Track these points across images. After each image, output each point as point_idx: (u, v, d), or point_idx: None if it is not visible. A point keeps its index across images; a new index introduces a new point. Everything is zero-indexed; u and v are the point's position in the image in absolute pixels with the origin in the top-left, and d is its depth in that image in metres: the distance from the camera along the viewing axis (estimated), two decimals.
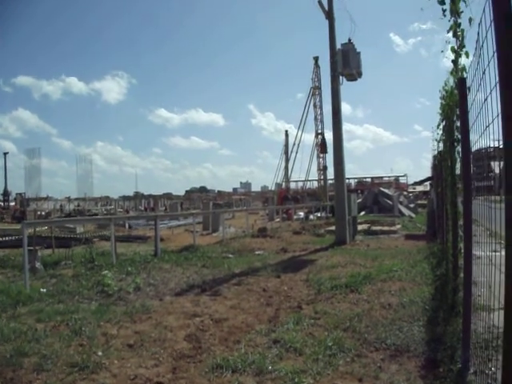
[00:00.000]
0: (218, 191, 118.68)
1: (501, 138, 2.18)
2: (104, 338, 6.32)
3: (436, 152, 11.06)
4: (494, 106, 2.50)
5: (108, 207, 63.65)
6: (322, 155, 54.39)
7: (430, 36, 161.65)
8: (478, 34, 3.04)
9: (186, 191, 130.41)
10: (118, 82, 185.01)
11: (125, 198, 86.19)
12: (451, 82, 5.96)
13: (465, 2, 3.95)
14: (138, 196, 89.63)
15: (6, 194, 64.87)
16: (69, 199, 65.02)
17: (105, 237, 19.15)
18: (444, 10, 4.21)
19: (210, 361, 5.38)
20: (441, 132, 8.37)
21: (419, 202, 46.62)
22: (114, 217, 25.21)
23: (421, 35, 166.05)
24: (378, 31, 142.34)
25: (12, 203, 62.35)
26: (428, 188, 51.19)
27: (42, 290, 9.48)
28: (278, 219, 33.55)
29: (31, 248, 11.84)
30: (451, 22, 4.29)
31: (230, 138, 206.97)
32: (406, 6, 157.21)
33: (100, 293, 9.22)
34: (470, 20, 3.71)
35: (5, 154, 67.67)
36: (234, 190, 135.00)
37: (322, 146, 53.34)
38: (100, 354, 5.65)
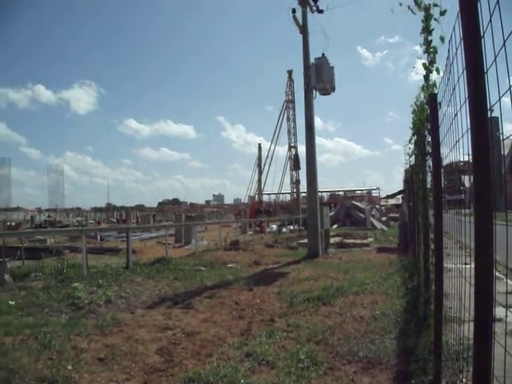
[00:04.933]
0: (191, 203, 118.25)
1: (470, 151, 2.22)
2: (74, 351, 6.22)
3: (408, 166, 11.20)
4: (464, 120, 2.56)
5: (79, 218, 62.88)
6: (295, 172, 54.66)
7: (396, 49, 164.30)
8: (449, 51, 3.12)
9: (159, 203, 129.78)
10: (86, 90, 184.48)
11: (96, 210, 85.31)
12: (422, 97, 6.06)
13: (436, 20, 4.04)
14: (109, 208, 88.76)
15: None
16: (40, 210, 64.01)
17: (76, 248, 18.86)
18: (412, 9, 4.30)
19: (182, 374, 5.35)
20: (412, 146, 8.48)
21: (391, 215, 47.08)
22: (86, 228, 24.88)
23: (388, 48, 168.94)
24: (346, 44, 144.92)
25: None
26: (400, 201, 51.79)
27: (10, 302, 9.29)
28: (250, 232, 33.50)
29: (0, 260, 11.62)
30: (422, 39, 4.38)
31: (200, 149, 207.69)
32: (372, 19, 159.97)
33: (70, 305, 9.07)
34: (442, 38, 3.80)
35: None
36: (207, 202, 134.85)
37: (295, 163, 53.57)
38: (70, 367, 5.57)
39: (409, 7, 4.32)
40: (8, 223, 44.48)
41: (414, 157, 8.82)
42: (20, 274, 12.98)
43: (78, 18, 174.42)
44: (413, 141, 8.26)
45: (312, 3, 19.00)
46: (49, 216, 57.68)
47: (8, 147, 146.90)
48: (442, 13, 4.00)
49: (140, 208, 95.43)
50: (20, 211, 63.97)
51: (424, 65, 4.63)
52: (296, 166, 53.45)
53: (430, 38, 4.38)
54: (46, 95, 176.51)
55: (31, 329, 7.27)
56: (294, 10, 18.77)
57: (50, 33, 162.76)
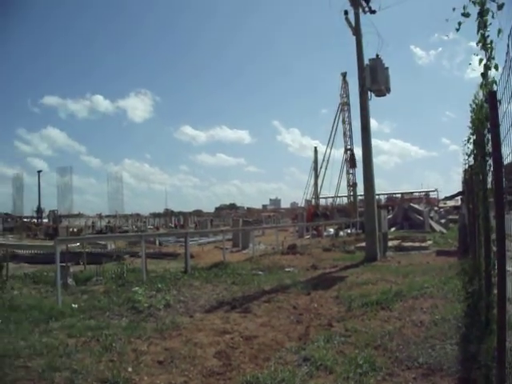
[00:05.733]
0: (248, 208, 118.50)
1: None
2: (134, 354, 6.35)
3: (466, 166, 10.89)
4: None
5: (138, 224, 64.24)
6: (351, 171, 54.00)
7: (451, 46, 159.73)
8: (508, 45, 3.01)
9: (216, 208, 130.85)
10: (141, 99, 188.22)
11: (155, 215, 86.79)
12: (480, 95, 5.89)
13: (492, 15, 3.92)
14: (168, 213, 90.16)
15: (39, 211, 65.99)
16: (100, 216, 65.70)
17: (135, 253, 19.27)
18: (459, 24, 4.18)
19: (240, 378, 5.36)
20: (471, 146, 8.24)
21: (450, 217, 45.72)
22: (145, 234, 25.39)
23: (442, 46, 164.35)
24: (399, 43, 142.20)
25: (45, 220, 63.40)
26: (459, 203, 50.37)
27: (73, 305, 9.60)
28: (307, 236, 33.34)
29: (63, 264, 12.00)
30: (479, 35, 4.25)
31: (256, 154, 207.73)
32: (424, 16, 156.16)
33: (130, 309, 9.28)
34: (499, 31, 3.68)
35: (38, 172, 69.04)
36: (264, 206, 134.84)
37: (351, 161, 52.93)
38: (130, 370, 5.68)
39: (463, 8, 4.20)
40: (70, 229, 46.05)
41: (472, 157, 8.58)
42: (82, 278, 13.40)
43: (129, 27, 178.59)
44: (471, 140, 8.04)
45: (364, 4, 18.79)
46: (109, 222, 59.14)
47: (69, 156, 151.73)
48: (500, 7, 3.87)
49: (198, 213, 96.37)
50: (81, 217, 65.90)
51: (481, 61, 4.49)
52: (352, 163, 52.78)
53: (486, 33, 4.24)
54: (103, 105, 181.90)
55: (93, 331, 7.48)
56: (346, 12, 18.66)
57: (104, 43, 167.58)
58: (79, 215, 67.30)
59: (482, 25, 4.14)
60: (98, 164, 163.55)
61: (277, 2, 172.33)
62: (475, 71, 4.75)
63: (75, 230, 49.08)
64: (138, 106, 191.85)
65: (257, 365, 5.91)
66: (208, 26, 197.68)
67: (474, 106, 6.80)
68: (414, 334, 6.88)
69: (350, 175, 54.47)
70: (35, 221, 63.49)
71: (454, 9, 4.31)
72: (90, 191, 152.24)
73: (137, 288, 10.88)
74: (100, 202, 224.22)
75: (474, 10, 4.23)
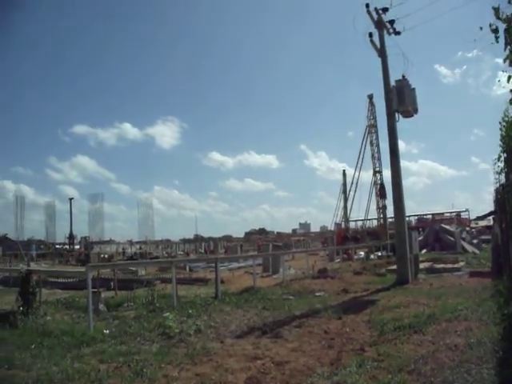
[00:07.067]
0: (277, 232, 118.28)
1: None
2: (165, 379, 6.34)
3: (498, 185, 10.70)
4: None
5: (169, 250, 64.61)
6: (381, 200, 53.60)
7: (476, 64, 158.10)
8: None
9: (246, 233, 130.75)
10: (169, 126, 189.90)
11: (185, 241, 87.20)
12: (510, 112, 5.82)
13: None
14: (197, 239, 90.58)
15: (71, 237, 67.01)
16: (131, 242, 66.37)
17: (166, 279, 19.34)
18: (497, 37, 4.15)
19: None
20: (502, 164, 8.12)
21: (483, 237, 44.88)
22: (175, 260, 25.58)
23: (466, 64, 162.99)
24: (423, 63, 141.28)
25: (77, 246, 64.30)
26: (491, 222, 49.51)
27: (105, 331, 9.67)
28: (338, 259, 33.07)
29: (95, 290, 12.12)
30: (507, 52, 4.21)
31: (284, 178, 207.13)
32: (447, 35, 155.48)
33: (161, 335, 9.30)
34: None
35: (70, 199, 70.56)
36: (293, 230, 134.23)
37: (381, 191, 52.40)
38: None
39: (490, 25, 4.18)
40: (101, 255, 46.61)
41: (504, 175, 8.45)
42: (113, 303, 13.52)
43: (155, 60, 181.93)
44: (502, 158, 7.92)
45: (389, 26, 18.83)
46: (140, 248, 59.66)
47: (99, 183, 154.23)
48: None
49: (227, 238, 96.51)
50: (112, 244, 66.56)
51: (510, 78, 4.43)
52: (382, 195, 52.32)
53: None
54: (132, 132, 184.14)
55: (124, 357, 7.51)
56: (370, 34, 18.75)
57: (132, 72, 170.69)
58: (110, 241, 67.99)
59: (510, 41, 4.11)
60: (128, 191, 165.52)
61: (305, 24, 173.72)
62: (504, 88, 4.71)
63: (106, 256, 49.68)
64: (166, 133, 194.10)
65: None
66: (237, 53, 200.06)
67: (503, 123, 6.72)
68: (448, 358, 6.71)
69: (379, 198, 54.06)
70: (67, 247, 64.45)
71: (481, 28, 4.29)
72: (120, 218, 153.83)
73: (167, 314, 10.91)
74: (130, 228, 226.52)
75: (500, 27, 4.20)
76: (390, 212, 39.15)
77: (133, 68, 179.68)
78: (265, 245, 46.87)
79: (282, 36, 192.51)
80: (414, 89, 19.05)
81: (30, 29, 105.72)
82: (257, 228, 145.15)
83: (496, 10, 4.24)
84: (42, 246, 65.29)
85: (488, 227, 55.90)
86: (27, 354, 7.78)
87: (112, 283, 16.87)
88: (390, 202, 43.02)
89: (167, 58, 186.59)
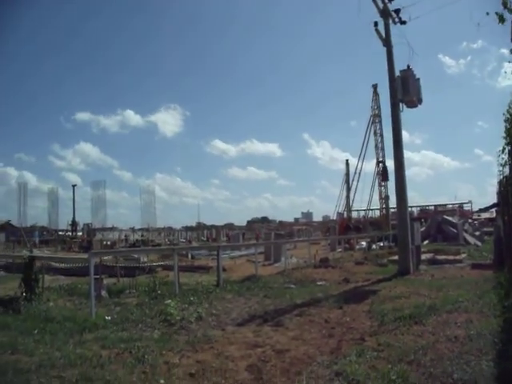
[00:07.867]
0: (280, 221, 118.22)
1: None
2: (166, 366, 6.39)
3: (501, 177, 10.67)
4: None
5: (171, 237, 64.69)
6: (383, 183, 53.50)
7: (481, 55, 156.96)
8: None
9: (248, 221, 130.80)
10: (171, 114, 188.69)
11: (187, 229, 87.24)
12: None
13: None
14: (200, 226, 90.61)
15: (74, 224, 67.00)
16: (133, 229, 66.35)
17: (168, 266, 19.40)
18: (503, 20, 4.13)
19: None
20: (506, 156, 8.09)
21: (485, 229, 44.84)
22: (177, 247, 25.61)
23: (471, 54, 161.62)
24: (427, 53, 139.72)
25: (79, 233, 64.36)
26: (494, 215, 49.36)
27: (106, 317, 9.73)
28: (339, 249, 33.11)
29: (97, 277, 12.17)
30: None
31: (287, 167, 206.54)
32: (452, 25, 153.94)
33: (163, 322, 9.35)
34: None
35: (73, 186, 70.25)
36: (296, 219, 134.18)
37: (383, 174, 52.32)
38: (162, 382, 5.71)
39: (497, 14, 4.15)
40: (104, 242, 46.71)
41: (508, 167, 8.42)
42: (115, 290, 13.58)
43: (160, 50, 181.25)
44: (506, 151, 7.90)
45: (394, 15, 18.65)
46: (142, 235, 59.73)
47: (102, 170, 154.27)
48: None
49: (229, 226, 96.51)
50: (114, 231, 66.55)
51: None
52: (384, 177, 52.20)
53: None
54: (134, 119, 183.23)
55: (126, 343, 7.56)
56: (376, 24, 18.54)
57: (135, 59, 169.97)
58: (112, 228, 67.94)
59: None
60: (130, 178, 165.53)
61: (309, 13, 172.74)
62: (509, 80, 4.69)
63: (109, 243, 49.83)
64: (169, 121, 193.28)
65: (288, 379, 5.86)
66: (242, 44, 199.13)
67: (508, 115, 6.69)
68: (448, 349, 6.73)
69: (382, 188, 54.01)
70: (70, 234, 64.54)
71: (487, 13, 4.27)
72: (122, 205, 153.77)
73: (169, 301, 10.94)
74: (133, 215, 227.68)
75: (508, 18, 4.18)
76: (393, 202, 39.16)
77: (136, 55, 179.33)
78: (267, 233, 46.97)
79: (288, 27, 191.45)
80: (418, 79, 18.92)
81: (34, 14, 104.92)
82: (259, 216, 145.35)
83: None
84: (44, 233, 65.26)
85: (490, 219, 55.91)
86: (30, 339, 7.84)
87: (114, 270, 16.94)
88: (392, 192, 43.10)
89: (171, 45, 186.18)
